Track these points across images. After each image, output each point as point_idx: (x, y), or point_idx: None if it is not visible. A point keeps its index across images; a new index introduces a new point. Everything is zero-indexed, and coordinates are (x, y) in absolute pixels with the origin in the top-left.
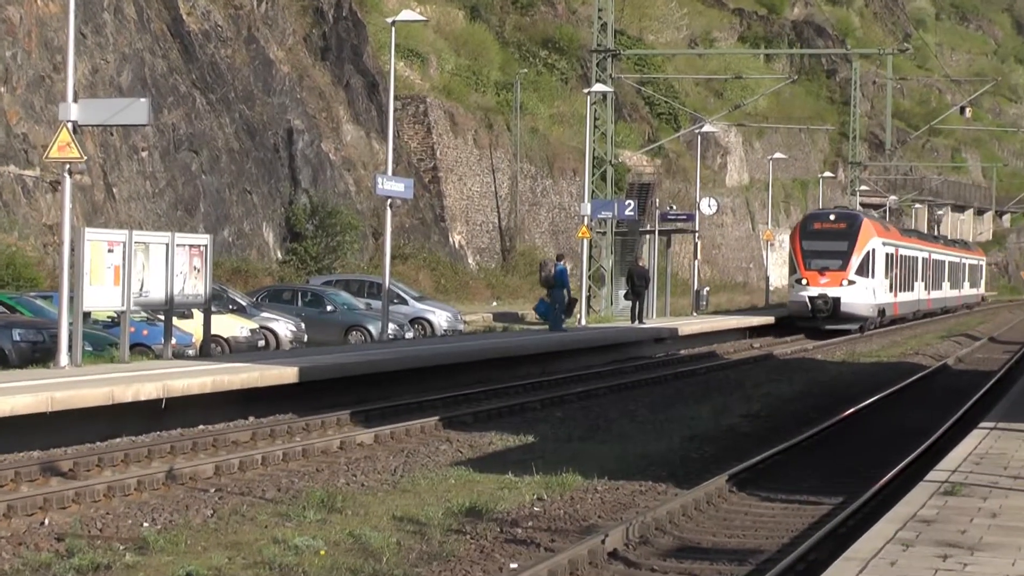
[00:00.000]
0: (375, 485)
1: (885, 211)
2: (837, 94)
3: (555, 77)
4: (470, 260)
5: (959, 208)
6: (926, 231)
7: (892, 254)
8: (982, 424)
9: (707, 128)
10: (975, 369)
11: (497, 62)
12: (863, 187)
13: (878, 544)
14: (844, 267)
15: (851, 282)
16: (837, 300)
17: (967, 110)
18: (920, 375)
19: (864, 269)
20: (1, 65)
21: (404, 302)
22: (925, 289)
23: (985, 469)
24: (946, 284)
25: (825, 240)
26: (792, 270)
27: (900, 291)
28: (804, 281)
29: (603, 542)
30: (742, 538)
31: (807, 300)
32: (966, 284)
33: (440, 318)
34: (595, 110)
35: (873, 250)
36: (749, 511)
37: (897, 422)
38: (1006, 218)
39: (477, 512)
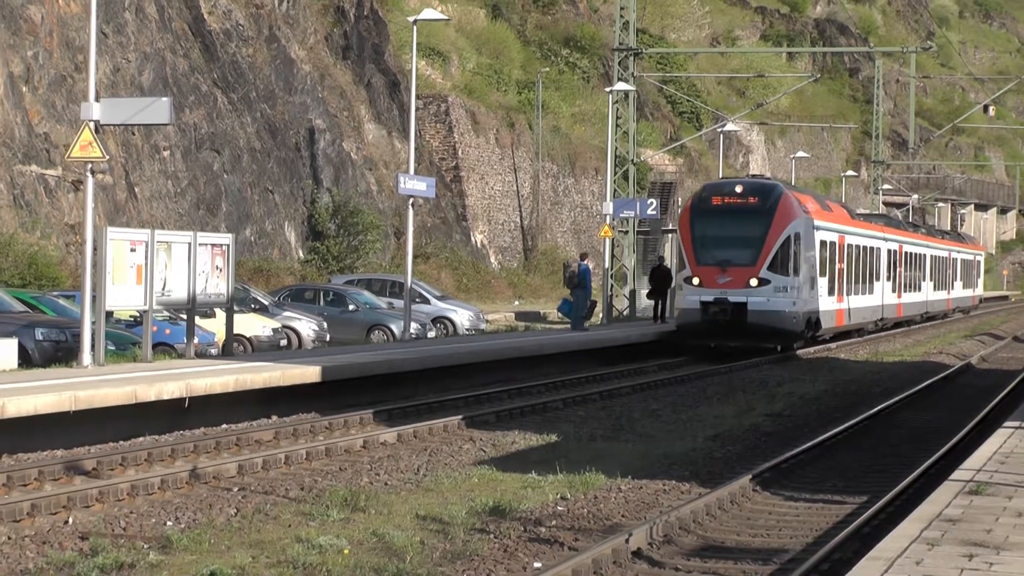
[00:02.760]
0: (398, 484)
1: (908, 210)
2: (860, 92)
3: (577, 76)
4: (492, 259)
5: (982, 207)
6: (917, 223)
7: (833, 243)
8: (1007, 423)
9: (729, 127)
10: (999, 368)
11: (519, 61)
12: (886, 186)
13: (903, 544)
14: (753, 260)
15: (762, 281)
16: (741, 307)
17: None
18: (943, 374)
19: (783, 263)
20: (23, 65)
21: (426, 301)
22: (893, 291)
23: (1010, 468)
24: (926, 284)
25: (727, 222)
26: (680, 265)
27: (849, 293)
28: (696, 280)
29: (627, 541)
30: (766, 537)
31: (699, 307)
32: (957, 284)
33: (462, 317)
34: (617, 109)
35: (797, 235)
36: (773, 510)
37: (921, 421)
38: None
39: (500, 511)
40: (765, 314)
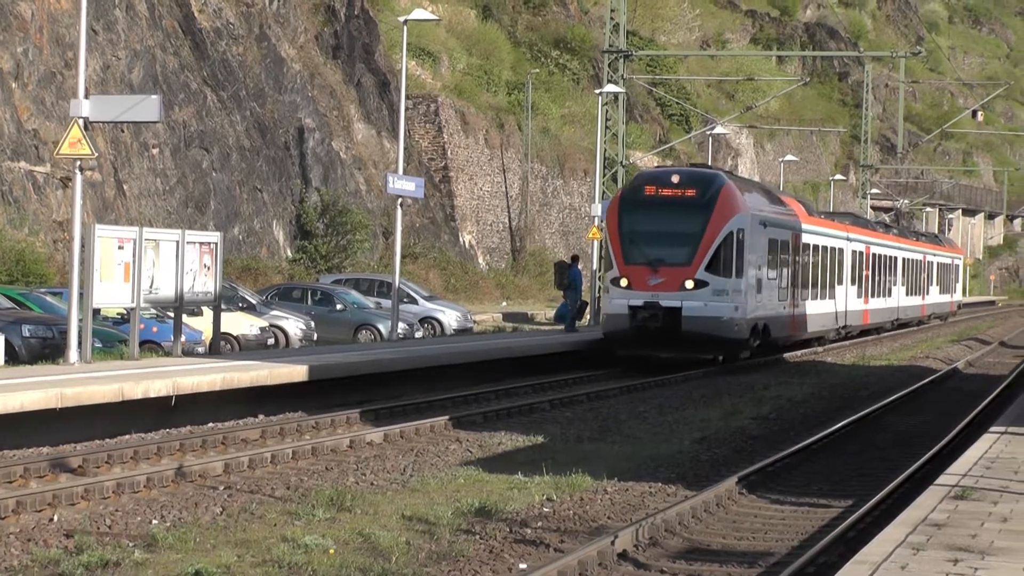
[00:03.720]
0: (384, 484)
1: (896, 214)
2: (849, 97)
3: (567, 77)
4: (480, 260)
5: (970, 212)
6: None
7: (786, 241)
8: (992, 428)
9: (718, 130)
10: (985, 373)
11: (509, 62)
12: (874, 190)
13: (888, 548)
14: (689, 259)
15: (699, 283)
16: (675, 313)
17: (979, 114)
18: (930, 379)
19: (724, 262)
20: (12, 61)
21: (414, 301)
22: (859, 296)
23: (996, 473)
24: (898, 289)
25: (660, 216)
26: (607, 265)
27: (806, 298)
28: (623, 282)
29: (613, 543)
30: (752, 540)
31: (627, 313)
32: (933, 289)
33: (450, 318)
34: (607, 111)
35: (740, 231)
36: (759, 513)
37: (907, 425)
38: (1017, 222)
39: (486, 512)
40: (702, 321)
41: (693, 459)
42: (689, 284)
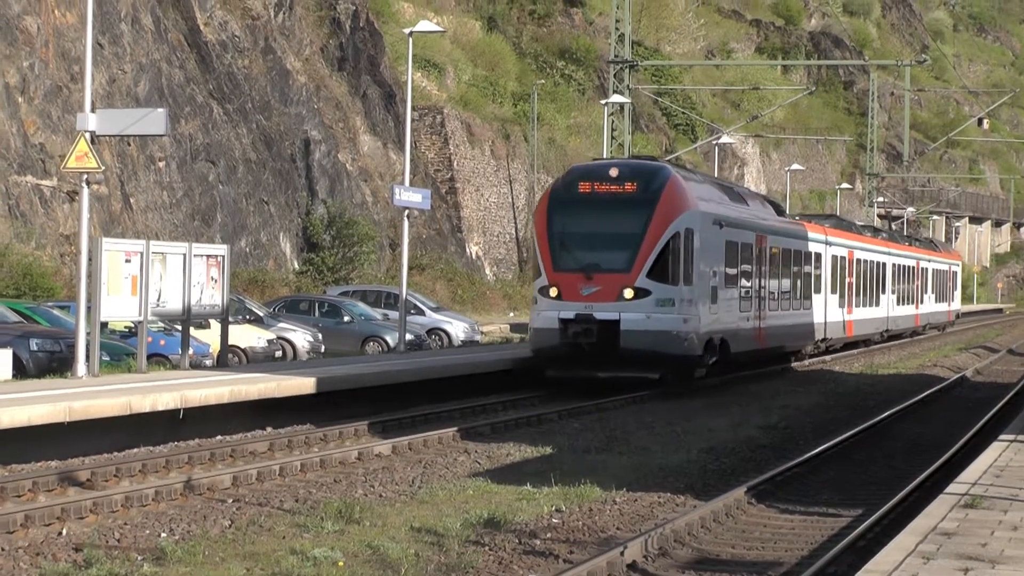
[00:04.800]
0: (393, 496)
1: (903, 223)
2: (854, 105)
3: (572, 88)
4: (487, 271)
5: (977, 220)
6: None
7: (748, 244)
8: (1002, 437)
9: (724, 139)
10: (993, 381)
11: (514, 73)
12: (880, 198)
13: (898, 557)
14: (628, 265)
15: (640, 292)
16: (612, 326)
17: (985, 121)
18: (938, 387)
19: (670, 267)
20: (19, 75)
21: (421, 313)
22: (841, 305)
23: (1005, 482)
24: (887, 297)
25: (595, 215)
26: (536, 272)
27: (774, 308)
28: (553, 291)
29: (622, 554)
30: (761, 550)
31: (557, 327)
32: (927, 297)
33: (457, 329)
34: (612, 121)
35: (689, 232)
36: (768, 523)
37: (916, 434)
38: None
39: (495, 523)
40: (644, 335)
41: (701, 469)
42: (628, 293)
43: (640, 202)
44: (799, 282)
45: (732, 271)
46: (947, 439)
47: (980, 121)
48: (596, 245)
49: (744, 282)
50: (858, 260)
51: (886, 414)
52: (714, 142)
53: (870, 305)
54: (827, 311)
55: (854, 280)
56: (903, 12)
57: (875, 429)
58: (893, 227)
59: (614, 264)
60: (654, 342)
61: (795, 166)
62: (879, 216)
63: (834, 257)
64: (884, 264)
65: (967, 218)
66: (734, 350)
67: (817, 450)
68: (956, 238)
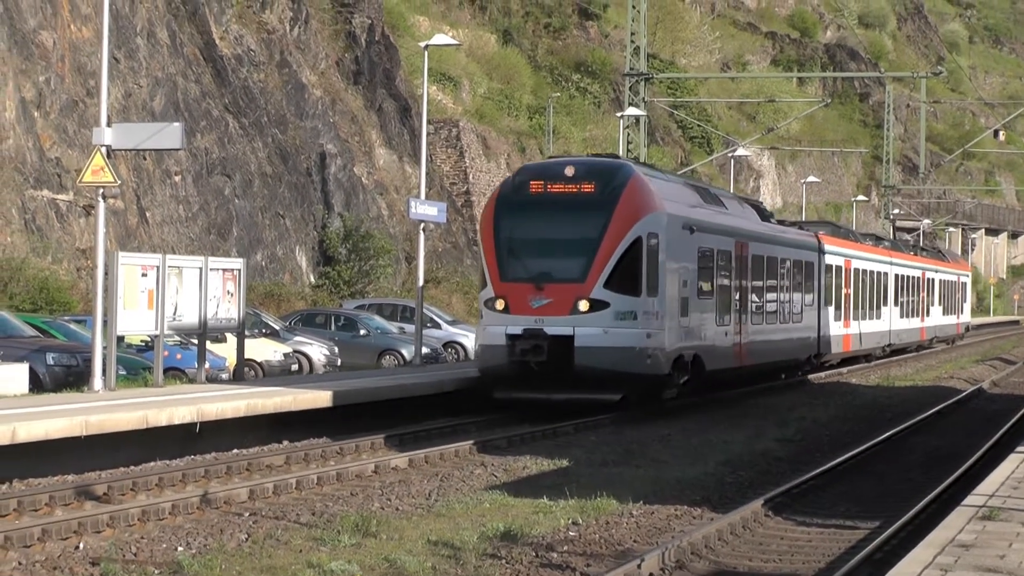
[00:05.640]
0: (410, 509)
1: (919, 235)
2: (870, 117)
3: (588, 101)
4: None
5: (993, 231)
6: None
7: (727, 251)
8: (1019, 448)
9: (740, 151)
10: (1011, 393)
11: (529, 86)
12: (896, 211)
13: (916, 569)
14: (583, 274)
15: (597, 304)
16: (565, 343)
17: (1001, 133)
18: (955, 399)
19: (631, 276)
20: (35, 89)
21: (437, 326)
22: (837, 318)
23: (1023, 494)
24: (889, 309)
25: (547, 218)
26: (482, 283)
27: (755, 322)
28: (500, 304)
29: (639, 567)
30: (778, 563)
31: (504, 344)
32: (934, 309)
33: (474, 342)
34: (628, 134)
35: (653, 237)
36: (785, 535)
37: (933, 446)
38: None
39: (512, 536)
40: (601, 352)
41: (718, 481)
42: (583, 305)
43: (597, 203)
44: (788, 293)
45: (706, 281)
46: (964, 451)
47: (996, 133)
48: (548, 252)
49: (721, 293)
50: (856, 270)
51: (903, 426)
52: (730, 155)
53: (870, 318)
54: (821, 325)
55: (852, 291)
56: (919, 24)
57: (892, 441)
58: (909, 239)
59: (568, 273)
60: (613, 360)
61: (811, 178)
62: (896, 228)
63: (828, 266)
64: (885, 274)
65: (983, 230)
66: (709, 368)
67: (834, 462)
68: (972, 250)
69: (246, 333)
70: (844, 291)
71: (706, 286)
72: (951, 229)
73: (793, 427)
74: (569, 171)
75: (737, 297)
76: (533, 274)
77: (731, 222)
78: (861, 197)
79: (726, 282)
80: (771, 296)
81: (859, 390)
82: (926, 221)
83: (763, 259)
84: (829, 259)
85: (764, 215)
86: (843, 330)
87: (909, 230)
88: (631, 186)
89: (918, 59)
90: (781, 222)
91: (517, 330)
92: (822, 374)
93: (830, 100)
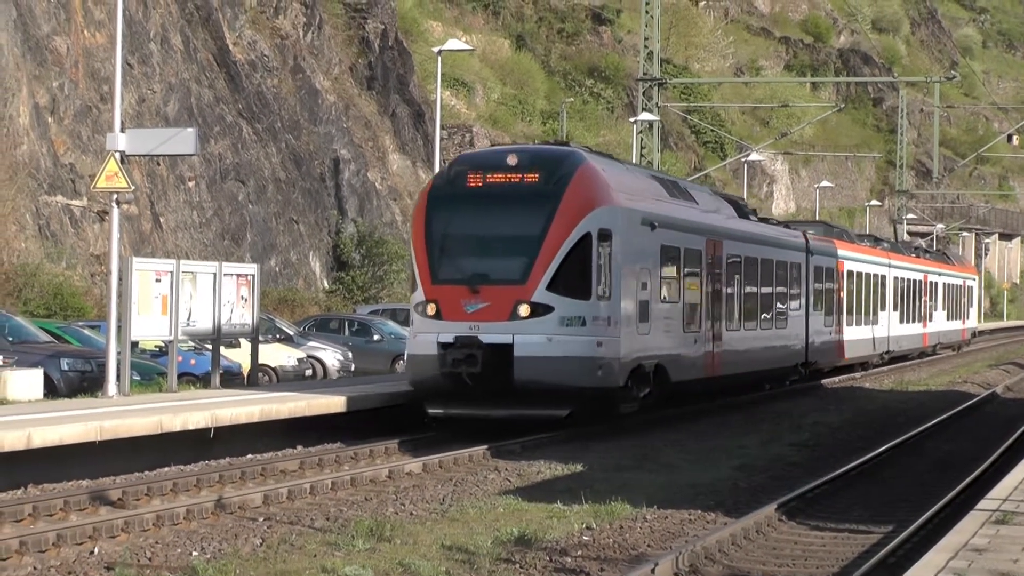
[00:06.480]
0: (424, 514)
1: (932, 239)
2: (884, 122)
3: (601, 106)
4: None
5: (1007, 236)
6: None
7: (696, 251)
8: None
9: (753, 156)
10: None
11: (543, 91)
12: (910, 215)
13: (929, 573)
14: (524, 275)
15: (539, 308)
16: (503, 353)
17: (1014, 138)
18: (968, 403)
19: (580, 277)
20: (48, 95)
21: None
22: (828, 325)
23: None
24: (887, 315)
25: (485, 213)
26: (412, 285)
27: (734, 328)
28: (431, 309)
29: (652, 571)
30: (792, 567)
31: (435, 353)
32: (938, 314)
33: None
34: (641, 139)
35: (605, 233)
36: (799, 540)
37: (946, 451)
38: None
39: (526, 541)
40: (545, 363)
41: (732, 486)
42: (524, 310)
43: (541, 195)
44: (770, 297)
45: (671, 283)
46: (978, 456)
47: (1010, 137)
48: (485, 250)
49: (689, 297)
50: (849, 272)
51: (916, 431)
52: (743, 159)
53: (866, 323)
54: (810, 331)
55: (845, 295)
56: (932, 29)
57: (905, 446)
58: (922, 243)
59: (506, 274)
60: (558, 372)
61: (824, 183)
62: (909, 233)
63: (818, 268)
64: (883, 277)
65: (997, 234)
66: (675, 379)
67: (847, 467)
68: (986, 255)
69: (260, 338)
70: (836, 295)
71: (671, 289)
72: (965, 234)
73: (806, 432)
74: (511, 160)
75: (709, 301)
76: (467, 275)
77: (702, 218)
78: (875, 202)
79: (696, 284)
80: (750, 300)
81: (873, 395)
82: (939, 226)
83: (740, 259)
84: (818, 260)
85: (742, 212)
86: (835, 336)
87: (923, 235)
88: (580, 175)
89: (932, 64)
90: (766, 220)
91: (449, 338)
92: (835, 378)
93: (844, 105)
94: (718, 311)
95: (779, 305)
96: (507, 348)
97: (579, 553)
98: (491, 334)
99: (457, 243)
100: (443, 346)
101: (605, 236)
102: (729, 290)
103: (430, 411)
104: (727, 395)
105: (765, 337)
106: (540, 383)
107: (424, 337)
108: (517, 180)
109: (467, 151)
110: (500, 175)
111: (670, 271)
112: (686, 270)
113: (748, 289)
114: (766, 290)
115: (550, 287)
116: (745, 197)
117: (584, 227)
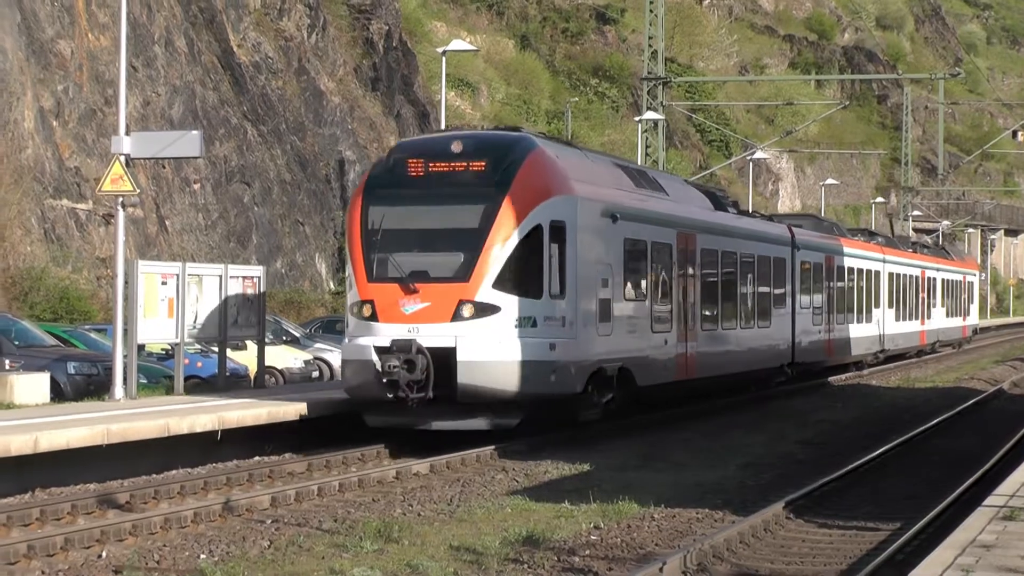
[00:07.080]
0: (431, 515)
1: (938, 236)
2: (888, 119)
3: (606, 105)
4: None
5: (1012, 232)
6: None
7: (665, 244)
8: None
9: (758, 155)
10: None
11: (547, 91)
12: (915, 212)
13: (937, 570)
14: (467, 271)
15: (484, 308)
16: (444, 356)
17: (1019, 134)
18: (975, 400)
19: (530, 274)
20: (53, 99)
21: None
22: (815, 323)
23: None
24: (881, 312)
25: (427, 205)
26: (348, 284)
27: (710, 328)
28: (367, 310)
29: (661, 570)
30: (800, 565)
31: (372, 359)
32: (936, 311)
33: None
34: (646, 138)
35: (558, 224)
36: (806, 538)
37: (953, 447)
38: None
39: (534, 541)
40: (492, 368)
41: (739, 485)
42: (467, 310)
43: (487, 184)
44: (752, 294)
45: (636, 279)
46: (985, 452)
47: (1015, 133)
48: (425, 245)
49: (657, 294)
50: (839, 267)
51: (923, 428)
52: (748, 158)
53: (858, 321)
54: (796, 329)
55: (835, 291)
56: (936, 25)
57: (912, 443)
58: (928, 240)
59: (448, 270)
60: (507, 378)
61: (829, 181)
62: (915, 230)
63: (804, 263)
64: (877, 272)
65: (1003, 231)
66: (642, 383)
67: (854, 464)
68: (992, 251)
69: (266, 340)
70: (825, 291)
71: (636, 286)
72: (970, 230)
73: (813, 429)
74: (456, 147)
75: (680, 299)
76: (406, 273)
77: (672, 210)
78: (880, 199)
79: (665, 281)
80: (728, 298)
81: (879, 392)
82: (945, 222)
83: (717, 254)
84: (805, 255)
85: (719, 203)
86: (824, 335)
87: (928, 231)
88: (531, 163)
89: (936, 60)
90: (747, 213)
91: (385, 342)
92: (842, 376)
93: (848, 102)
94: (692, 310)
95: (762, 303)
96: (450, 352)
97: (587, 552)
98: (432, 337)
99: (395, 238)
100: (379, 351)
101: (559, 229)
102: (705, 287)
103: (369, 422)
104: (705, 398)
105: (746, 337)
106: (487, 390)
107: (359, 341)
108: (462, 168)
109: (406, 139)
110: (443, 163)
111: (635, 267)
112: (654, 266)
113: (726, 286)
114: (747, 287)
115: (496, 285)
116: (751, 196)
117: (534, 219)
